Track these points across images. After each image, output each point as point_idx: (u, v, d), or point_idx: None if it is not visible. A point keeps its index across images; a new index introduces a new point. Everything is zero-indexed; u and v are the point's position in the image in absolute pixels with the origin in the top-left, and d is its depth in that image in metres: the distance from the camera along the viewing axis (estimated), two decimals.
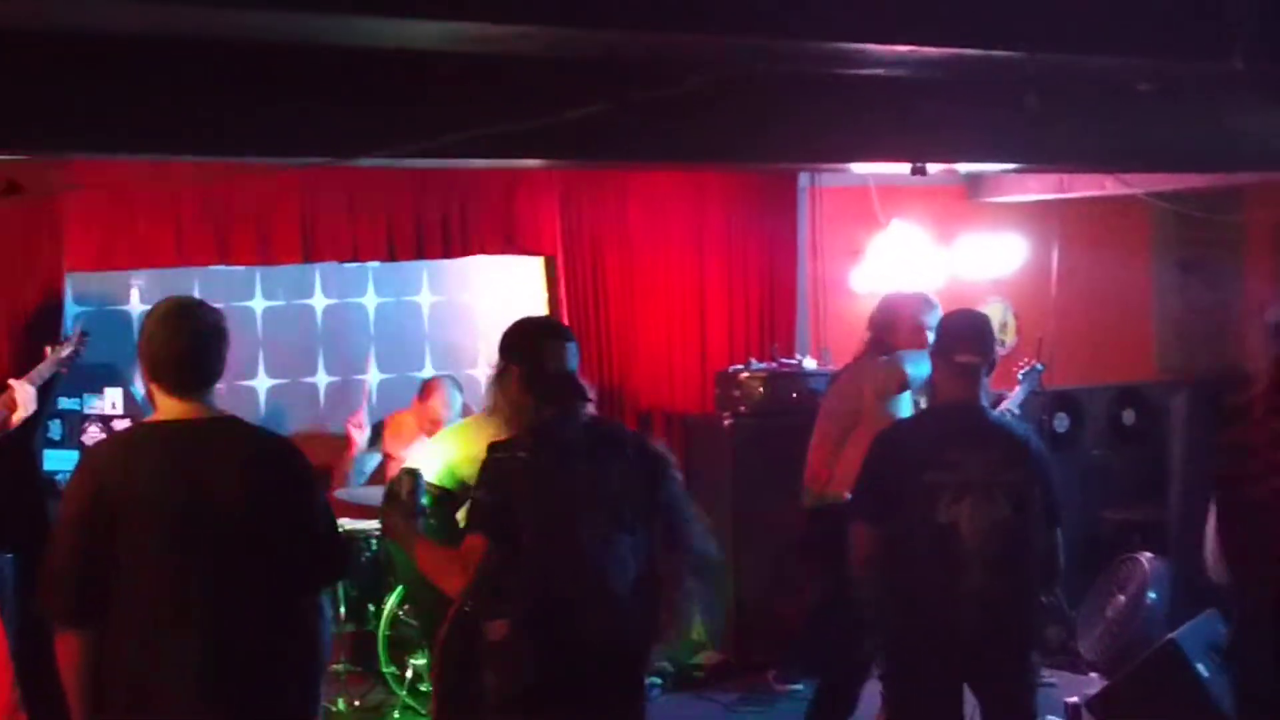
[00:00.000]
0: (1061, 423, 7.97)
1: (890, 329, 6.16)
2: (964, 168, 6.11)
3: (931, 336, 6.04)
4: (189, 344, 3.54)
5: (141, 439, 3.66)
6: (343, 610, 6.47)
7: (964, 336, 4.79)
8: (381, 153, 4.45)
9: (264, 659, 3.54)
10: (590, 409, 4.18)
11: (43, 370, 5.77)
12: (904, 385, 6.02)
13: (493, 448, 4.12)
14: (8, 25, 3.24)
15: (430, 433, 6.44)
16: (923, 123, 5.21)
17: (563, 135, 4.10)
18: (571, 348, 4.15)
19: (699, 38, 3.29)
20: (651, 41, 3.36)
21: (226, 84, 4.14)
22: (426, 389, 7.03)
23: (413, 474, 4.23)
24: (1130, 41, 3.53)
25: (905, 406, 6.11)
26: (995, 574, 4.55)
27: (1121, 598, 7.26)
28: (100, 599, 3.41)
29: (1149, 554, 7.33)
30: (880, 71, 3.64)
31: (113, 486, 3.44)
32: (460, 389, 6.97)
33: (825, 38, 3.23)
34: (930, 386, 5.24)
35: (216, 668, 3.44)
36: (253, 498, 3.50)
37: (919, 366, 6.03)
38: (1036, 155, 5.98)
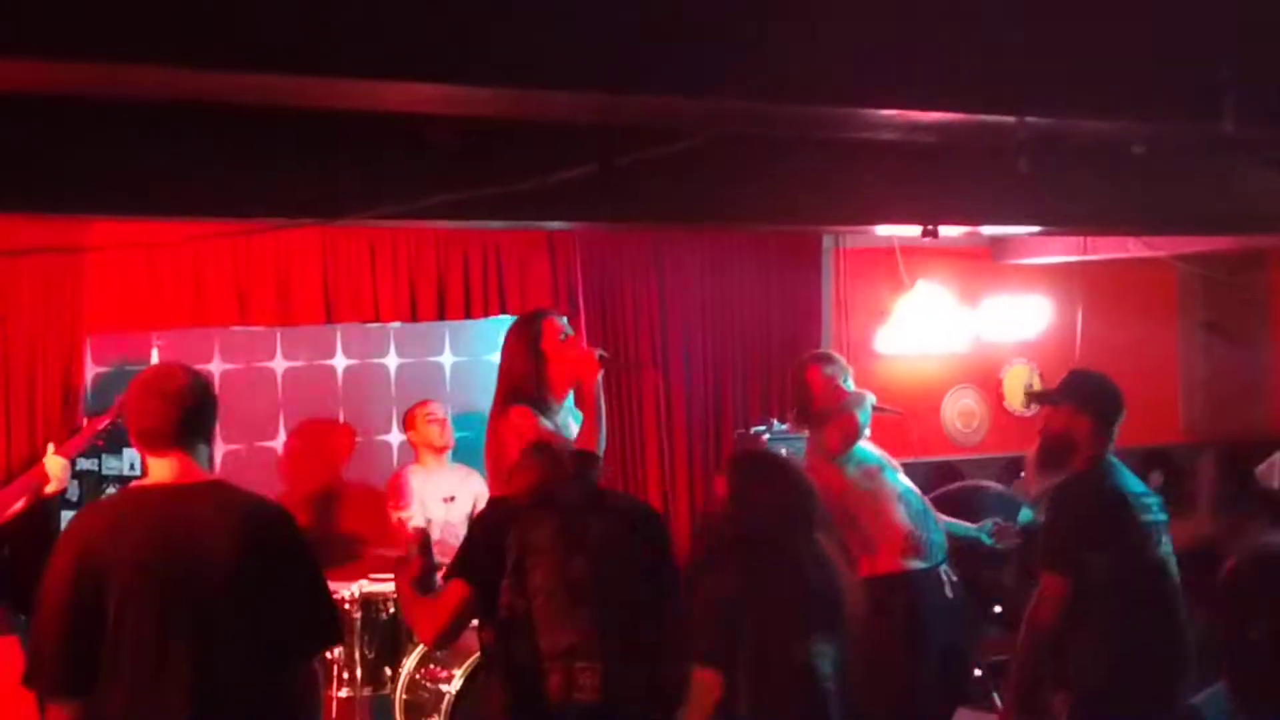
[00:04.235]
0: None
1: (807, 399, 6.14)
2: (954, 230, 6.11)
3: (849, 385, 6.04)
4: (166, 401, 3.53)
5: (127, 504, 3.62)
6: (359, 673, 6.33)
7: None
8: (369, 214, 4.48)
9: None
10: (598, 473, 4.21)
11: (82, 445, 5.75)
12: (856, 431, 5.96)
13: (496, 501, 4.12)
14: (31, 88, 3.29)
15: (436, 442, 6.78)
16: (914, 184, 5.24)
17: (553, 197, 4.14)
18: None
19: (686, 100, 3.30)
20: (640, 104, 3.37)
21: (227, 146, 4.20)
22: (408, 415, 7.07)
23: (421, 534, 4.22)
24: (1121, 105, 3.52)
25: (865, 452, 6.02)
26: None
27: None
28: (90, 668, 3.37)
29: None
30: (869, 135, 3.64)
31: (99, 553, 3.40)
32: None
33: (809, 101, 3.24)
34: (1069, 440, 5.31)
35: None
36: (242, 563, 3.46)
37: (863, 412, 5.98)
38: (1042, 218, 5.95)
